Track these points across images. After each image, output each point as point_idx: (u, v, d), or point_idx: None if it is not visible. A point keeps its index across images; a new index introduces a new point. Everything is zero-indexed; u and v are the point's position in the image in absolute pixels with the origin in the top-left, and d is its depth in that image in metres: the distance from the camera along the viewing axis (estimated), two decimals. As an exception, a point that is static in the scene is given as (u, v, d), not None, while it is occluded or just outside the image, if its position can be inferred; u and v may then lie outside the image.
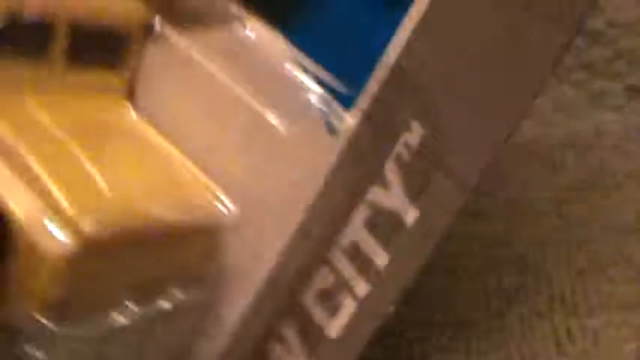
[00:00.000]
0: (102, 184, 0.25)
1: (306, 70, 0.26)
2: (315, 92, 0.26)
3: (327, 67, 0.26)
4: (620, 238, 0.34)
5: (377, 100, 0.26)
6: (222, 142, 0.28)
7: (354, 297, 0.26)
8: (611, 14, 0.41)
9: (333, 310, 0.26)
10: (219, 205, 0.27)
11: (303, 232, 0.26)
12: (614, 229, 0.34)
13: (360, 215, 0.26)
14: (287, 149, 0.27)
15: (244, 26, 0.27)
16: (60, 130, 0.26)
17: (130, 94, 0.29)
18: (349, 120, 0.26)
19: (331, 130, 0.26)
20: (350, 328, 0.26)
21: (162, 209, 0.26)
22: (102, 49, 0.28)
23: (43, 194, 0.24)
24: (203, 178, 0.28)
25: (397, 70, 0.25)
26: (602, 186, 0.37)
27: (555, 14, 0.23)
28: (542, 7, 0.24)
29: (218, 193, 0.27)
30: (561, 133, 0.41)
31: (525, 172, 0.38)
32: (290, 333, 0.27)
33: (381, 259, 0.26)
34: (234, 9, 0.28)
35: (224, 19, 0.28)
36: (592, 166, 0.38)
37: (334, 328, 0.26)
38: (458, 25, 0.24)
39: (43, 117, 0.26)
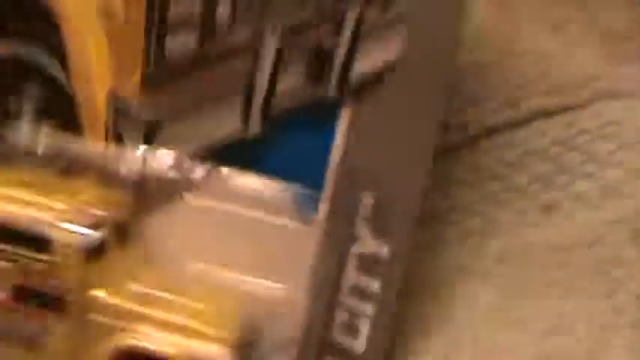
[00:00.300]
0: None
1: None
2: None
3: (292, 176, 0.37)
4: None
5: (335, 194, 0.37)
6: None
7: (367, 317, 0.38)
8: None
9: (355, 334, 0.38)
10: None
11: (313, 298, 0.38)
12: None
13: (350, 267, 0.38)
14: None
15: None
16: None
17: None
18: (320, 212, 0.38)
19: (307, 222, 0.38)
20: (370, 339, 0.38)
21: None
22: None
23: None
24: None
25: (343, 167, 0.37)
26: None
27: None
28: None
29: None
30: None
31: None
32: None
33: (376, 285, 0.38)
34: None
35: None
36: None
37: (359, 344, 0.38)
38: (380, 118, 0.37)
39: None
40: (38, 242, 0.33)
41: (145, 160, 0.39)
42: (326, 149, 0.38)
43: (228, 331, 0.33)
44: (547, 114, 0.42)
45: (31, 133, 0.39)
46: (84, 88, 0.39)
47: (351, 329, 0.38)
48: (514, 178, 0.42)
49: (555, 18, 0.46)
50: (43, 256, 0.33)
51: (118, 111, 0.39)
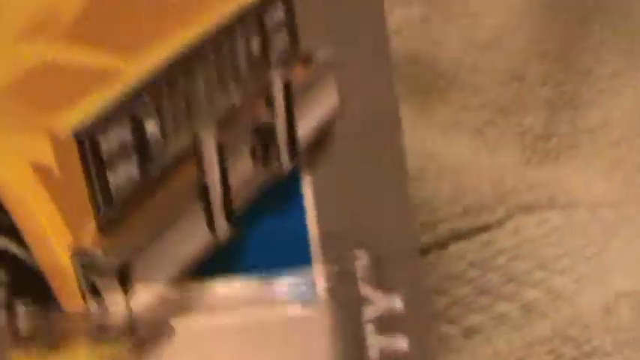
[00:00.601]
0: None
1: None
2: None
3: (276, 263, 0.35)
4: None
5: (326, 265, 0.35)
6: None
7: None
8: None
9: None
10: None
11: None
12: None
13: (370, 333, 0.35)
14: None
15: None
16: None
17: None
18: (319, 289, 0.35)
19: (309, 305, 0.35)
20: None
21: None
22: None
23: None
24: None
25: (324, 235, 0.35)
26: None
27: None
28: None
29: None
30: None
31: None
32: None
33: (402, 343, 0.35)
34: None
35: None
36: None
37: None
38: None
39: None
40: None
41: (127, 304, 0.37)
42: (301, 224, 0.36)
43: None
44: (463, 236, 0.42)
45: (7, 318, 0.38)
46: (45, 256, 0.38)
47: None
48: (433, 302, 0.41)
49: (475, 122, 0.46)
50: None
51: (85, 266, 0.38)
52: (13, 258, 0.38)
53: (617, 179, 0.44)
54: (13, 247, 0.38)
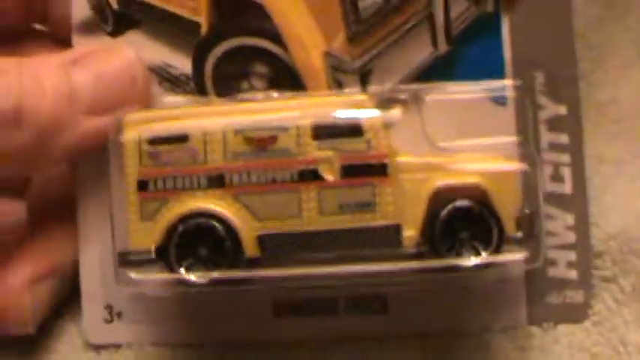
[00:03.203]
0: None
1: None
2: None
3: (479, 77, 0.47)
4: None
5: (516, 79, 0.47)
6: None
7: (567, 165, 0.48)
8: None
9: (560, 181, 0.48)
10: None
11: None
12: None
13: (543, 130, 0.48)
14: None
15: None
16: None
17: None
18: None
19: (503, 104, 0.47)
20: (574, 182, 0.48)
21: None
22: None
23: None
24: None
25: (515, 59, 0.47)
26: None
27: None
28: None
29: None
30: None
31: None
32: None
33: (564, 138, 0.48)
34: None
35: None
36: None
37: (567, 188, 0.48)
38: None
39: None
40: (350, 129, 0.42)
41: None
42: (499, 49, 0.48)
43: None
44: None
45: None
46: (301, 56, 0.49)
47: (558, 178, 0.48)
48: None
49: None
50: (358, 139, 0.42)
51: (334, 66, 0.49)
52: (274, 56, 0.49)
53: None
54: (275, 48, 0.49)
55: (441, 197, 0.41)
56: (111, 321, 0.46)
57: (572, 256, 0.47)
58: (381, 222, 0.41)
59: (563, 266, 0.47)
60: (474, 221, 0.41)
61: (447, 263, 0.40)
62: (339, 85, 0.48)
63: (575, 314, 0.47)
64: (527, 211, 0.41)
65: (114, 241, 0.42)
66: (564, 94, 0.48)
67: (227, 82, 0.48)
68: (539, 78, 0.48)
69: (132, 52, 0.46)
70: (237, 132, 0.42)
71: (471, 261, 0.40)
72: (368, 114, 0.41)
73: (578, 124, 0.48)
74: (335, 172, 0.41)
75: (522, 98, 0.47)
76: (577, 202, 0.47)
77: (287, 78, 0.48)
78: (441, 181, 0.41)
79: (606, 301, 0.46)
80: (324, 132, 0.41)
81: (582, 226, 0.47)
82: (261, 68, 0.48)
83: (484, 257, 0.40)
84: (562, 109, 0.48)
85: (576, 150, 0.48)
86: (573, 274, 0.47)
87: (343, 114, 0.41)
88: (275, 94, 0.47)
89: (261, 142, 0.41)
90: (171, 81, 0.49)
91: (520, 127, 0.47)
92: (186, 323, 0.46)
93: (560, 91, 0.48)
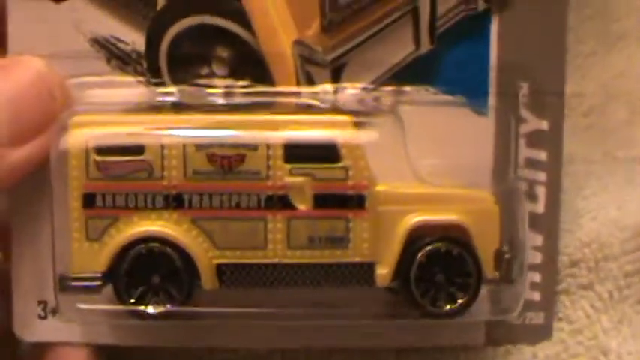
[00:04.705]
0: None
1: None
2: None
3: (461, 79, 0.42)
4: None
5: (499, 87, 0.43)
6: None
7: (541, 184, 0.44)
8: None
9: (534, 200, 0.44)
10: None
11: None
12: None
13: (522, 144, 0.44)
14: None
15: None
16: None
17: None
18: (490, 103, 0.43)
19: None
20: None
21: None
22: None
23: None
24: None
25: (501, 65, 0.43)
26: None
27: None
28: None
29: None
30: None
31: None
32: None
33: (543, 156, 0.44)
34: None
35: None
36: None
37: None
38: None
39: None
40: (327, 153, 0.37)
41: (335, 95, 0.43)
42: (484, 53, 0.43)
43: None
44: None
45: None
46: (269, 42, 0.43)
47: (531, 196, 0.44)
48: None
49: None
50: (335, 165, 0.37)
51: (304, 57, 0.43)
52: (239, 40, 0.42)
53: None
54: (240, 30, 0.43)
55: (418, 234, 0.37)
56: (45, 317, 0.42)
57: (536, 277, 0.44)
58: (354, 259, 0.37)
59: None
60: (452, 263, 0.37)
61: (423, 311, 0.37)
62: (308, 77, 0.43)
63: (535, 336, 0.45)
64: (506, 255, 0.38)
65: (54, 262, 0.37)
66: (548, 109, 0.44)
67: (184, 64, 0.42)
68: (524, 89, 0.44)
69: (37, 61, 0.39)
70: (199, 147, 0.36)
71: (447, 309, 0.37)
72: (347, 137, 0.37)
73: (559, 141, 0.44)
74: (307, 201, 0.37)
75: (505, 109, 0.43)
76: (548, 223, 0.44)
77: (251, 65, 0.42)
78: (420, 218, 0.37)
79: (585, 309, 0.44)
80: (298, 154, 0.36)
81: (550, 247, 0.44)
82: (223, 52, 0.42)
83: (460, 304, 0.37)
84: (544, 125, 0.44)
85: (554, 168, 0.44)
86: (536, 295, 0.44)
87: (320, 135, 0.37)
88: (238, 83, 0.41)
89: (226, 161, 0.36)
90: (120, 58, 0.42)
91: (499, 140, 0.43)
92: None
93: (544, 105, 0.44)
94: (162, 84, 0.42)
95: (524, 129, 0.43)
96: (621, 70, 0.47)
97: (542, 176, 0.44)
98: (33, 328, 0.41)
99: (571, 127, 0.46)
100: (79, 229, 0.36)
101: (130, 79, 0.42)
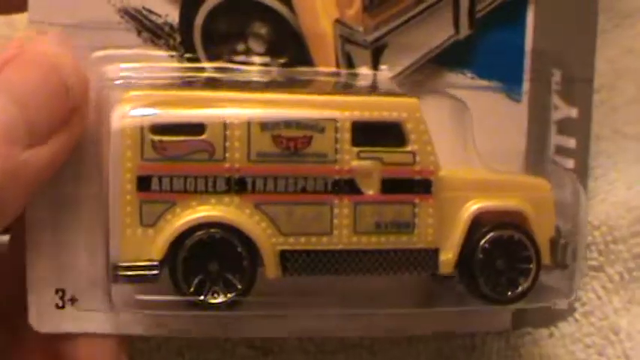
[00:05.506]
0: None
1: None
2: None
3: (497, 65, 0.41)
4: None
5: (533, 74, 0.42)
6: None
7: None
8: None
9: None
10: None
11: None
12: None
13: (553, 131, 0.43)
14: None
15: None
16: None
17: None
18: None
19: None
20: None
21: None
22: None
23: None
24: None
25: (535, 51, 0.42)
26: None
27: None
28: None
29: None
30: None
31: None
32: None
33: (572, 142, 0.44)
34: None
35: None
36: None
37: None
38: None
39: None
40: (395, 136, 0.35)
41: (374, 78, 0.41)
42: (520, 39, 0.43)
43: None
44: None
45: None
46: (310, 21, 0.40)
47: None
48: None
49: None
50: (403, 149, 0.35)
51: (345, 36, 0.41)
52: (277, 16, 0.40)
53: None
54: (279, 6, 0.40)
55: (481, 221, 0.36)
56: (62, 307, 0.38)
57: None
58: (419, 245, 0.35)
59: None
60: (513, 250, 0.37)
61: (486, 298, 0.36)
62: (348, 59, 0.41)
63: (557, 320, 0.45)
64: (562, 241, 0.37)
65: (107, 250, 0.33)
66: (578, 97, 0.44)
67: (220, 40, 0.39)
68: (556, 76, 0.43)
69: (49, 47, 0.35)
70: (264, 127, 0.34)
71: (509, 295, 0.36)
72: (415, 120, 0.35)
73: (587, 129, 0.44)
74: (375, 185, 0.35)
75: (539, 96, 0.43)
76: (573, 210, 0.44)
77: (289, 44, 0.40)
78: (482, 204, 0.36)
79: (596, 290, 0.45)
80: (366, 137, 0.35)
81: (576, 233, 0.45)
82: (260, 28, 0.40)
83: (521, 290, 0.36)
84: (573, 112, 0.44)
85: (582, 156, 0.44)
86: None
87: (388, 117, 0.35)
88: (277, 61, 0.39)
89: (292, 143, 0.34)
90: (152, 31, 0.39)
91: (532, 127, 0.43)
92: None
93: (575, 92, 0.44)
94: (196, 59, 0.39)
95: (554, 116, 0.43)
96: (630, 47, 0.47)
97: (570, 163, 0.44)
98: (50, 319, 0.38)
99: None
100: (132, 214, 0.33)
101: (162, 53, 0.39)
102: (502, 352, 0.43)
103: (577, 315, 0.45)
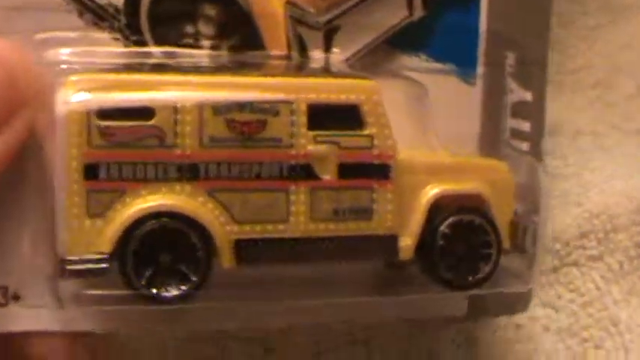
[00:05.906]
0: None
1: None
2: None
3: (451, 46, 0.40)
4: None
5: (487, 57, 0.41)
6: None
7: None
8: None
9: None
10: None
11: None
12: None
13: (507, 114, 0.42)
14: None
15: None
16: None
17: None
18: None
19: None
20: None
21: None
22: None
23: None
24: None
25: (489, 34, 0.41)
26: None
27: None
28: None
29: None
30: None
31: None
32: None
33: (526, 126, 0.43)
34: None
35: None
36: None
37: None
38: None
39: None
40: (353, 119, 0.34)
41: (326, 60, 0.40)
42: (474, 21, 0.42)
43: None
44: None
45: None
46: (261, 3, 0.39)
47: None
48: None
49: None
50: (360, 132, 0.34)
51: (296, 19, 0.39)
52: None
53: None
54: (231, -11, 0.38)
55: (441, 205, 0.35)
56: (5, 305, 0.36)
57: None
58: (377, 231, 0.34)
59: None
60: (473, 234, 0.36)
61: (446, 283, 0.35)
62: (299, 40, 0.39)
63: (514, 307, 0.44)
64: (521, 225, 0.37)
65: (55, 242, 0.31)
66: (532, 80, 0.43)
67: (168, 22, 0.38)
68: (510, 59, 0.43)
69: None
70: (216, 111, 0.32)
71: (470, 280, 0.35)
72: (373, 102, 0.34)
73: (542, 112, 0.44)
74: (332, 170, 0.34)
75: (493, 79, 0.42)
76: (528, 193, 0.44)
77: (239, 25, 0.39)
78: (442, 188, 0.35)
79: (595, 280, 0.44)
80: (322, 121, 0.33)
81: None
82: (210, 10, 0.38)
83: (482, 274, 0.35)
84: (528, 95, 0.43)
85: (535, 140, 0.44)
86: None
87: (345, 100, 0.34)
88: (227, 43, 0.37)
89: (246, 127, 0.32)
90: (95, 12, 0.37)
91: (487, 110, 0.42)
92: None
93: (529, 75, 0.43)
94: (142, 43, 0.37)
95: (508, 99, 0.43)
96: (627, 41, 0.47)
97: (525, 146, 0.43)
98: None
99: (578, 99, 0.46)
100: (79, 205, 0.31)
101: (106, 35, 0.37)
102: (496, 347, 0.42)
103: (574, 306, 0.44)
